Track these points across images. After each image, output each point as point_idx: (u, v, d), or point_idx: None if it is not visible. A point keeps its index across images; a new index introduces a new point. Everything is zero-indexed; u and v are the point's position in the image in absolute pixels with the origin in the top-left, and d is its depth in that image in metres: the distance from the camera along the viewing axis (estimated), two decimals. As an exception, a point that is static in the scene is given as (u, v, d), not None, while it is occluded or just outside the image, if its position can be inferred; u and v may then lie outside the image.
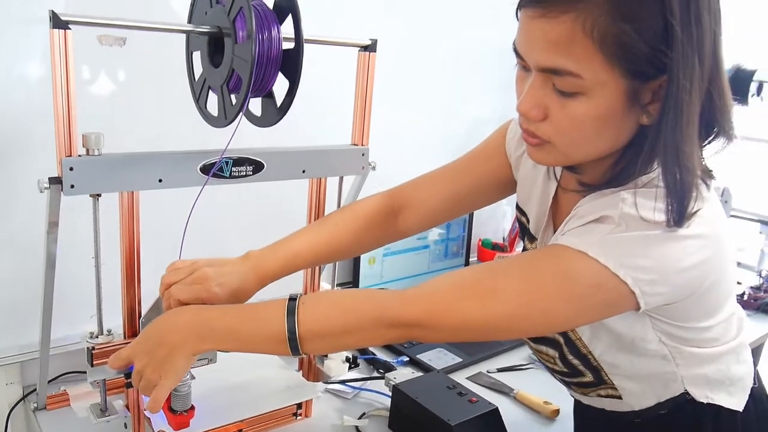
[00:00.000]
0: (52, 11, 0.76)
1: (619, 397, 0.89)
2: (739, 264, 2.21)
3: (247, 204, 1.38)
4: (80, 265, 0.99)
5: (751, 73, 1.95)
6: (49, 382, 1.12)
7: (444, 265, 1.74)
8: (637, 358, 0.83)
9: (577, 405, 1.03)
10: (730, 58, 2.01)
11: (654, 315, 0.77)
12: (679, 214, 0.68)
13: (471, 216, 1.78)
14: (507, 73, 2.01)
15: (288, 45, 0.88)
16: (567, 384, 0.97)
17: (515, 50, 0.72)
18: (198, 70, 0.97)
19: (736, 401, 0.86)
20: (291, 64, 0.88)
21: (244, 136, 0.92)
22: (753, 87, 1.97)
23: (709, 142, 0.73)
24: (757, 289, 1.94)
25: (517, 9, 0.70)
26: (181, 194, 0.91)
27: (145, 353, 0.80)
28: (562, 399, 1.26)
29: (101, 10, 1.08)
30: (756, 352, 2.02)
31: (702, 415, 0.85)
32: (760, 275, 2.06)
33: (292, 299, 0.78)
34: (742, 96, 1.99)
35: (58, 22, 0.77)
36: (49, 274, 0.91)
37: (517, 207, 1.00)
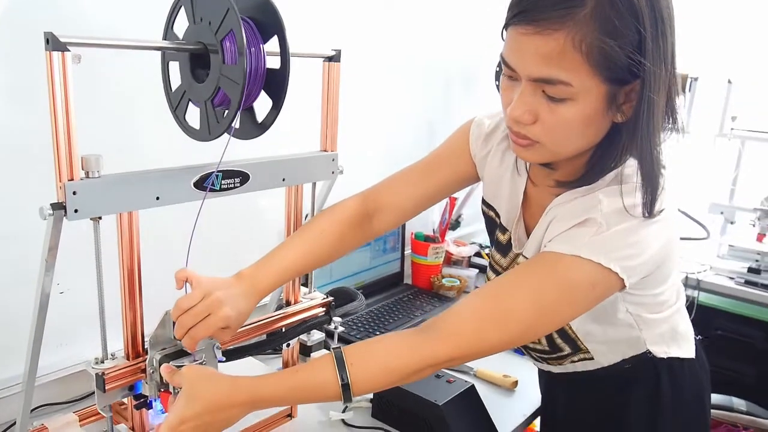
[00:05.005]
0: (51, 33, 0.74)
1: (591, 359, 1.01)
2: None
3: (235, 215, 1.39)
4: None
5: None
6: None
7: (385, 259, 1.82)
8: (608, 327, 0.96)
9: (542, 372, 1.15)
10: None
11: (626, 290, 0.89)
12: (651, 201, 0.81)
13: (402, 212, 1.87)
14: (451, 80, 2.13)
15: (272, 64, 0.90)
16: (543, 360, 1.07)
17: (504, 62, 0.81)
18: (175, 80, 0.96)
19: (686, 351, 1.02)
20: (276, 83, 0.91)
21: (211, 147, 0.91)
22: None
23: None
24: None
25: (505, 26, 0.79)
26: (170, 211, 0.90)
27: (197, 429, 0.81)
28: (518, 371, 1.38)
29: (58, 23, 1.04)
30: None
31: (659, 365, 0.99)
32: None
33: (336, 348, 0.83)
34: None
35: (56, 44, 0.74)
36: (44, 303, 0.85)
37: (484, 202, 1.10)
